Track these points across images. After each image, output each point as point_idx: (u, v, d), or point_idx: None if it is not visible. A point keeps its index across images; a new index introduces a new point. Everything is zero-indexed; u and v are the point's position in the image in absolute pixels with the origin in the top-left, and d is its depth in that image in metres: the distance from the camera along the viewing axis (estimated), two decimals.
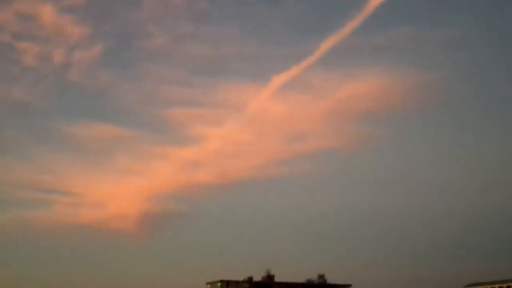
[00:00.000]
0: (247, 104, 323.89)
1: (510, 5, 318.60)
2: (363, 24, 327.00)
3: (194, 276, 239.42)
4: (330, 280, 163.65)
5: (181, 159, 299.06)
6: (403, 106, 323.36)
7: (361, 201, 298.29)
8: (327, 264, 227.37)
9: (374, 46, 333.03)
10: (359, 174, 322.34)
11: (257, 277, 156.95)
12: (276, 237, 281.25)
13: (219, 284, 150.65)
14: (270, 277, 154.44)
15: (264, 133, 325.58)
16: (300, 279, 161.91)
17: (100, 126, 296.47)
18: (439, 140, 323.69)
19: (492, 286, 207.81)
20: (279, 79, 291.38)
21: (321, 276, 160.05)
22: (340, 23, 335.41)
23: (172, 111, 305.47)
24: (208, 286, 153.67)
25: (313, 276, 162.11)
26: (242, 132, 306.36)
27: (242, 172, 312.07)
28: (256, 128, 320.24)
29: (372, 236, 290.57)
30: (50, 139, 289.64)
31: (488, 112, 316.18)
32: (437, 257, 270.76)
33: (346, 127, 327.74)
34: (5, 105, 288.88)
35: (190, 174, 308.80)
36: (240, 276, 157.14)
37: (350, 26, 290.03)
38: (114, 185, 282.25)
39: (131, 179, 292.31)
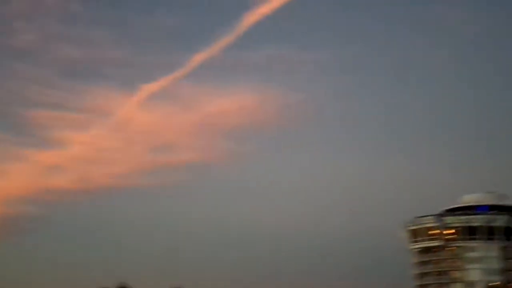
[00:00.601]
0: (115, 111, 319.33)
1: (377, 27, 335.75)
2: (236, 41, 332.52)
3: (43, 285, 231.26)
4: None
5: (41, 162, 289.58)
6: (271, 124, 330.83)
7: (225, 214, 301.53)
8: (185, 276, 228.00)
9: (246, 63, 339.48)
10: (225, 188, 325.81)
11: None
12: (134, 248, 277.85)
13: None
14: None
15: (130, 141, 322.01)
16: None
17: None
18: (306, 158, 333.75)
19: None
20: (148, 88, 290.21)
21: None
22: (213, 38, 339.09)
23: (34, 113, 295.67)
24: None
25: None
26: (107, 138, 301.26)
27: (104, 180, 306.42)
28: (122, 136, 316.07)
29: (233, 249, 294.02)
30: None
31: (354, 131, 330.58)
32: (294, 272, 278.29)
33: (214, 141, 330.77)
34: None
35: (50, 178, 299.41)
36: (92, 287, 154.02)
37: (223, 41, 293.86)
38: None
39: None
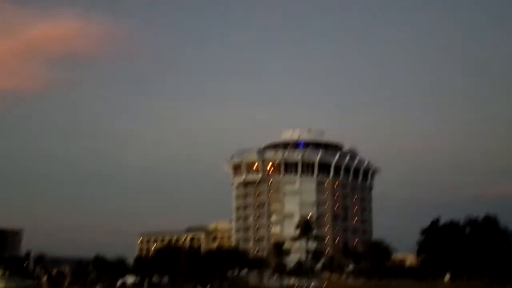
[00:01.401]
0: None
1: None
2: None
3: None
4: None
5: None
6: (94, 53, 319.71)
7: (46, 147, 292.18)
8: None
9: None
10: (48, 119, 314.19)
11: None
12: None
13: None
14: None
15: None
16: None
17: None
18: (128, 92, 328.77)
19: (163, 235, 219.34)
20: None
21: None
22: None
23: None
24: None
25: None
26: None
27: None
28: None
29: (50, 183, 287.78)
30: None
31: (180, 68, 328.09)
32: (114, 203, 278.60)
33: (36, 69, 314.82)
34: None
35: None
36: None
37: None
38: None
39: None
